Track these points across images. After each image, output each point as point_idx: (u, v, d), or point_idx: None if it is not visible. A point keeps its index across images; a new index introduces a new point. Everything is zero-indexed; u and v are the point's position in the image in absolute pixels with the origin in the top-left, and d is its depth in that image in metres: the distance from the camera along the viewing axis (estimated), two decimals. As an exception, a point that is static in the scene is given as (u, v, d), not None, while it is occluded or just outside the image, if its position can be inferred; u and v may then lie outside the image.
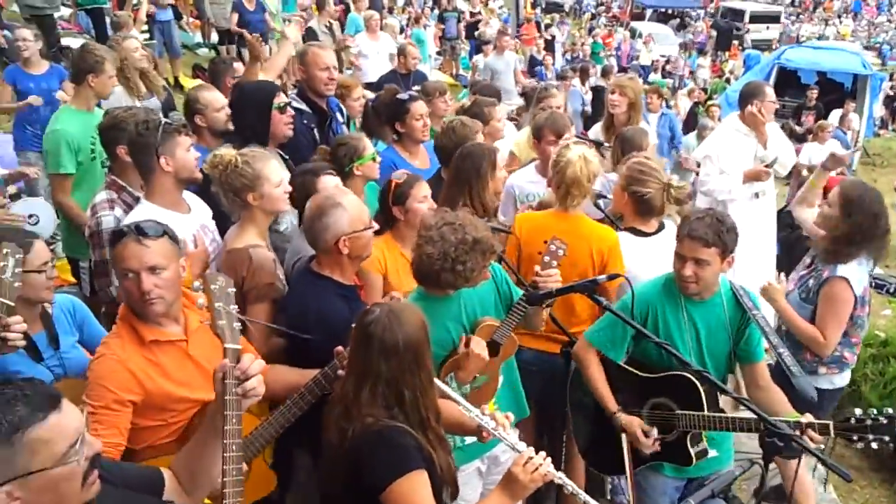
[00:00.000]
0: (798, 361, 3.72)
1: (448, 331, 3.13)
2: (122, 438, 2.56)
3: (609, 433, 3.36)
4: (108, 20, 11.07)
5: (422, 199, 3.68)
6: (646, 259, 3.78)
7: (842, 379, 4.09)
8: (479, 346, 3.11)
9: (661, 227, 3.99)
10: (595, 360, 3.38)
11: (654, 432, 3.24)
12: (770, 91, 5.56)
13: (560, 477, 2.46)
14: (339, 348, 2.83)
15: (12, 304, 2.66)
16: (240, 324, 2.22)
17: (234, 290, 2.26)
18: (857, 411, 2.89)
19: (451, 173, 4.17)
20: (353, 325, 2.49)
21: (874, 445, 2.81)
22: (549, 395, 3.84)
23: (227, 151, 3.42)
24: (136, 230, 2.59)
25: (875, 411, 2.86)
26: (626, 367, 3.36)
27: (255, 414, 2.98)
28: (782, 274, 4.36)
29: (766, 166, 5.58)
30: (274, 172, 3.42)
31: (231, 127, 4.41)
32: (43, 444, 1.64)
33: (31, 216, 4.28)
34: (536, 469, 2.41)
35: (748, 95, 5.60)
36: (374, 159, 4.22)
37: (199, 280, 2.26)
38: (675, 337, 3.23)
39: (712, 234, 3.09)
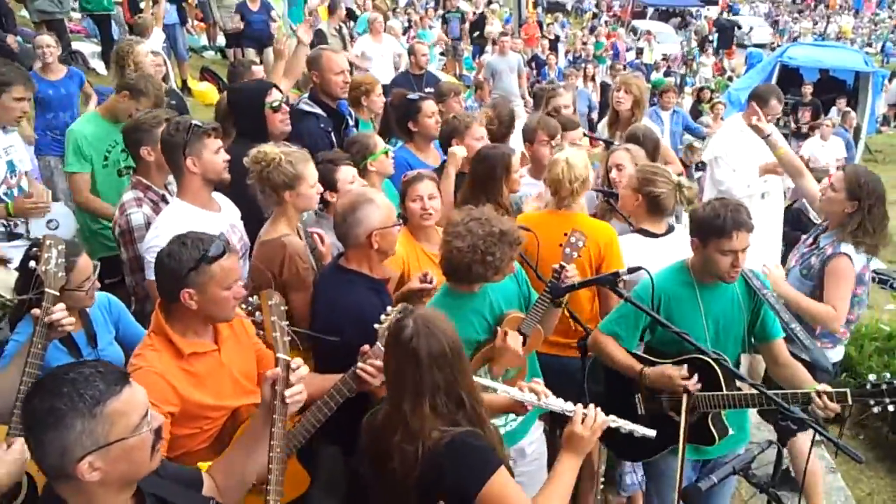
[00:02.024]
0: None
1: (473, 326, 3.22)
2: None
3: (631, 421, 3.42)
4: (114, 26, 11.16)
5: (415, 199, 3.83)
6: (657, 260, 3.82)
7: (836, 353, 4.23)
8: (515, 340, 3.19)
9: (670, 229, 4.09)
10: (612, 341, 3.45)
11: (685, 370, 3.24)
12: (775, 104, 5.63)
13: (613, 419, 2.54)
14: (366, 347, 2.92)
15: (57, 293, 2.76)
16: (289, 337, 2.44)
17: (286, 307, 2.48)
18: (872, 377, 3.00)
19: (469, 176, 4.31)
20: (387, 344, 2.49)
21: (891, 408, 2.92)
22: (564, 391, 3.91)
23: (271, 149, 3.53)
24: (227, 244, 2.76)
25: (888, 375, 2.97)
26: (643, 355, 3.44)
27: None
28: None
29: None
30: (312, 174, 3.57)
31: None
32: (120, 415, 1.77)
33: (49, 221, 4.34)
34: (595, 420, 2.48)
35: (755, 97, 5.70)
36: (386, 154, 4.32)
37: (256, 295, 2.46)
38: (691, 323, 3.31)
39: (749, 218, 3.23)
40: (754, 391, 3.06)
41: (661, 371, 3.31)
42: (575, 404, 3.63)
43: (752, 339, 3.49)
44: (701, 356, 3.18)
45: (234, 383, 2.83)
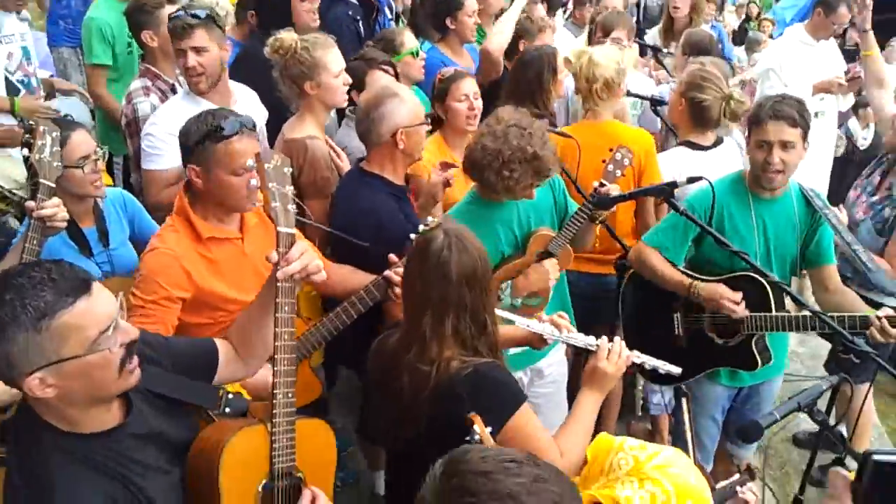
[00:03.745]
0: None
1: (498, 236, 3.03)
2: (168, 334, 2.51)
3: (665, 341, 3.26)
4: None
5: (461, 98, 3.59)
6: (704, 174, 3.59)
7: None
8: (553, 269, 3.03)
9: (718, 141, 3.80)
10: (656, 254, 3.23)
11: (739, 295, 3.05)
12: (844, 11, 5.34)
13: (638, 355, 2.44)
14: (393, 256, 2.74)
15: (53, 185, 2.55)
16: (295, 206, 2.06)
17: (290, 169, 2.10)
18: None
19: (512, 81, 4.03)
20: (414, 254, 2.31)
21: None
22: (594, 312, 3.74)
23: (288, 35, 3.29)
24: (243, 125, 2.48)
25: None
26: (687, 271, 3.23)
27: (305, 318, 2.93)
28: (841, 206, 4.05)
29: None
30: (334, 62, 3.31)
31: None
32: (72, 330, 1.54)
33: (65, 116, 4.18)
34: (619, 356, 2.37)
35: (821, 4, 5.31)
36: (414, 55, 4.04)
37: (252, 158, 2.11)
38: (743, 237, 3.11)
39: (797, 113, 2.94)
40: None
41: (714, 289, 3.08)
42: (607, 324, 3.52)
43: (803, 261, 3.26)
44: (752, 274, 2.97)
45: (255, 275, 2.61)
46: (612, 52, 3.79)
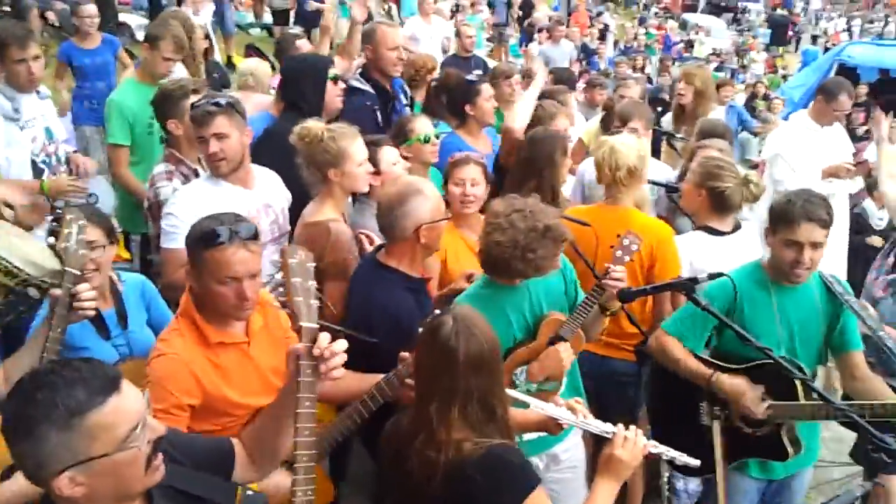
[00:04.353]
0: None
1: (510, 322, 3.02)
2: None
3: (691, 431, 3.20)
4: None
5: (457, 182, 3.68)
6: (723, 260, 3.58)
7: None
8: (567, 353, 3.00)
9: (737, 226, 3.81)
10: (676, 343, 3.20)
11: (761, 391, 3.02)
12: (845, 99, 5.43)
13: (655, 444, 2.40)
14: (405, 354, 2.72)
15: (79, 272, 2.56)
16: (318, 301, 2.06)
17: (313, 265, 2.11)
18: None
19: (521, 159, 4.05)
20: (422, 340, 2.31)
21: None
22: (609, 397, 3.72)
23: (315, 124, 3.36)
24: (237, 234, 2.42)
25: None
26: (710, 360, 3.19)
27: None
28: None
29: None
30: (358, 151, 3.37)
31: None
32: (103, 428, 1.55)
33: (90, 195, 4.23)
34: (635, 445, 2.32)
35: (823, 92, 5.37)
36: (425, 141, 4.10)
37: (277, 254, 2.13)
38: (764, 328, 3.08)
39: (826, 214, 2.96)
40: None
41: (736, 386, 3.05)
42: (625, 411, 3.46)
43: (829, 350, 3.22)
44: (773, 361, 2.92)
45: (261, 380, 2.61)
46: (633, 140, 3.84)
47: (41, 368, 1.62)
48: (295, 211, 3.59)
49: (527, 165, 3.98)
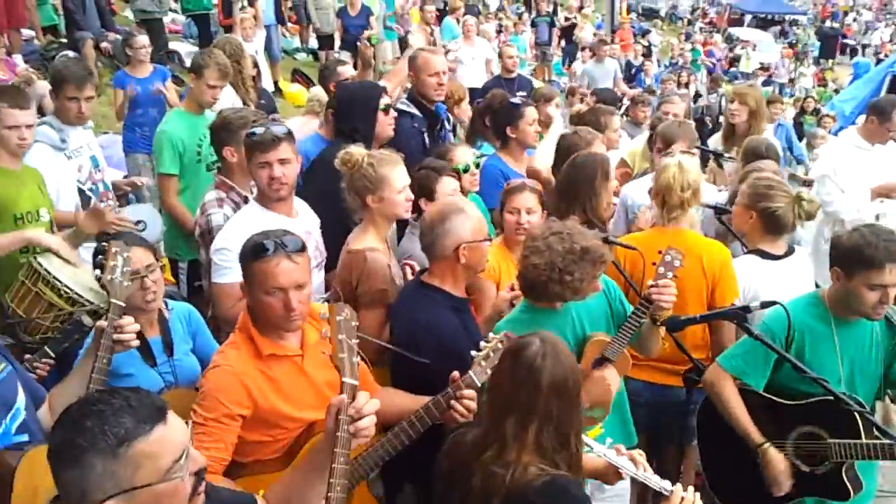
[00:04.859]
0: None
1: None
2: (227, 453, 2.50)
3: (748, 465, 3.10)
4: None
5: (512, 210, 3.68)
6: (776, 285, 3.50)
7: None
8: (613, 377, 2.94)
9: (790, 251, 3.70)
10: (732, 389, 3.12)
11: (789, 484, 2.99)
12: None
13: None
14: (455, 374, 2.69)
15: (123, 304, 2.62)
16: (359, 358, 2.14)
17: (356, 323, 2.19)
18: None
19: (562, 183, 4.02)
20: (505, 358, 2.31)
21: None
22: (660, 426, 3.65)
23: (357, 150, 3.39)
24: (283, 246, 2.52)
25: None
26: (767, 394, 3.09)
27: None
28: None
29: None
30: (399, 178, 3.38)
31: None
32: (148, 458, 1.54)
33: (138, 222, 4.31)
34: None
35: (874, 111, 5.21)
36: (464, 171, 4.11)
37: (325, 309, 2.20)
38: (824, 362, 2.99)
39: None
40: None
41: (776, 461, 3.02)
42: (677, 442, 3.37)
43: (887, 384, 3.11)
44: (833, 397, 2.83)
45: (315, 393, 2.62)
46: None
47: (89, 397, 1.63)
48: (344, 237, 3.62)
49: (568, 190, 3.94)
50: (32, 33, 10.00)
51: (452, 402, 2.65)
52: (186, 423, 1.68)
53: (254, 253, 2.52)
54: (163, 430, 1.57)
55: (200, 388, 2.59)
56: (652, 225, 3.95)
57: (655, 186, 3.69)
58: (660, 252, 3.13)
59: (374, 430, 2.05)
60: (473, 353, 2.68)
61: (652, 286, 2.98)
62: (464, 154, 4.22)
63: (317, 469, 2.04)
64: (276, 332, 2.61)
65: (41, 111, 6.60)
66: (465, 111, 5.70)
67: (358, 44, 5.71)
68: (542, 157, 4.50)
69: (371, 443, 2.77)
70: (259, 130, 3.37)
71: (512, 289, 3.28)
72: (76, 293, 3.18)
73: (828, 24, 36.62)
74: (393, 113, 4.29)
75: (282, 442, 2.63)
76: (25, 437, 2.38)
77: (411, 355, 2.92)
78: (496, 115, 4.98)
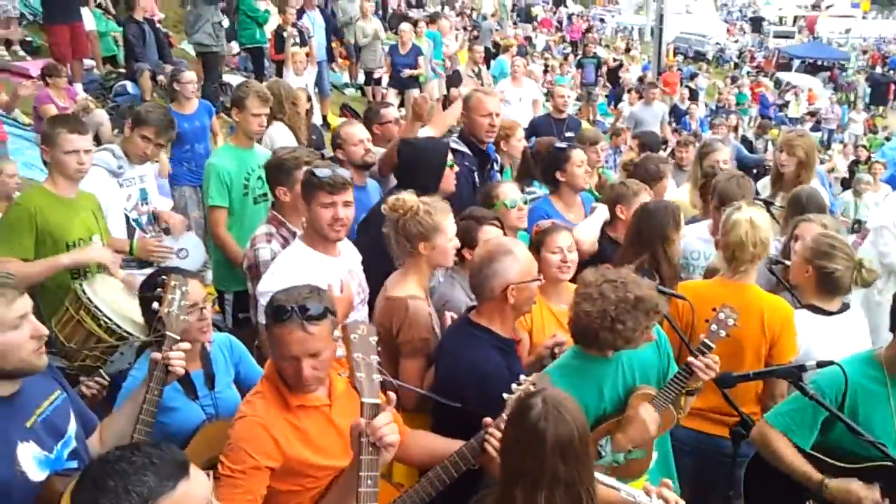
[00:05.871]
0: None
1: (602, 395, 2.93)
2: None
3: None
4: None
5: (554, 250, 3.63)
6: (828, 341, 3.42)
7: None
8: (649, 414, 2.88)
9: (844, 307, 3.62)
10: (782, 438, 3.02)
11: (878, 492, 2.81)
12: None
13: None
14: (488, 420, 2.66)
15: (178, 337, 2.64)
16: (380, 375, 2.10)
17: (375, 338, 2.15)
18: None
19: (633, 233, 4.00)
20: (511, 419, 2.28)
21: None
22: (706, 479, 3.53)
23: (410, 197, 3.40)
24: (301, 311, 2.45)
25: None
26: (820, 456, 2.98)
27: (395, 484, 2.88)
28: None
29: None
30: (451, 227, 3.42)
31: (369, 160, 4.65)
32: None
33: (180, 250, 4.38)
34: None
35: None
36: (511, 206, 4.13)
37: (339, 329, 2.16)
38: (879, 424, 2.88)
39: None
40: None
41: (848, 487, 2.85)
42: (724, 492, 3.26)
43: None
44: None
45: (344, 443, 2.55)
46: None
47: (110, 455, 1.63)
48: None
49: (639, 239, 3.91)
50: (93, 63, 10.32)
51: (485, 444, 2.61)
52: (208, 475, 1.69)
53: (272, 315, 2.49)
54: (186, 486, 1.59)
55: (228, 439, 2.57)
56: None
57: (724, 240, 3.62)
58: (714, 309, 3.08)
59: (396, 438, 2.03)
60: (505, 395, 2.64)
61: (700, 349, 2.94)
62: (510, 190, 4.23)
63: (345, 494, 2.05)
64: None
65: (98, 139, 6.81)
66: (516, 147, 5.62)
67: (415, 96, 5.70)
68: (585, 230, 4.42)
69: (405, 488, 2.76)
70: (325, 172, 3.35)
71: (555, 347, 3.24)
72: (115, 324, 3.23)
73: (878, 69, 36.11)
74: (456, 168, 4.35)
75: (312, 490, 2.62)
76: (75, 465, 2.39)
77: (446, 401, 2.91)
78: (544, 161, 4.99)
